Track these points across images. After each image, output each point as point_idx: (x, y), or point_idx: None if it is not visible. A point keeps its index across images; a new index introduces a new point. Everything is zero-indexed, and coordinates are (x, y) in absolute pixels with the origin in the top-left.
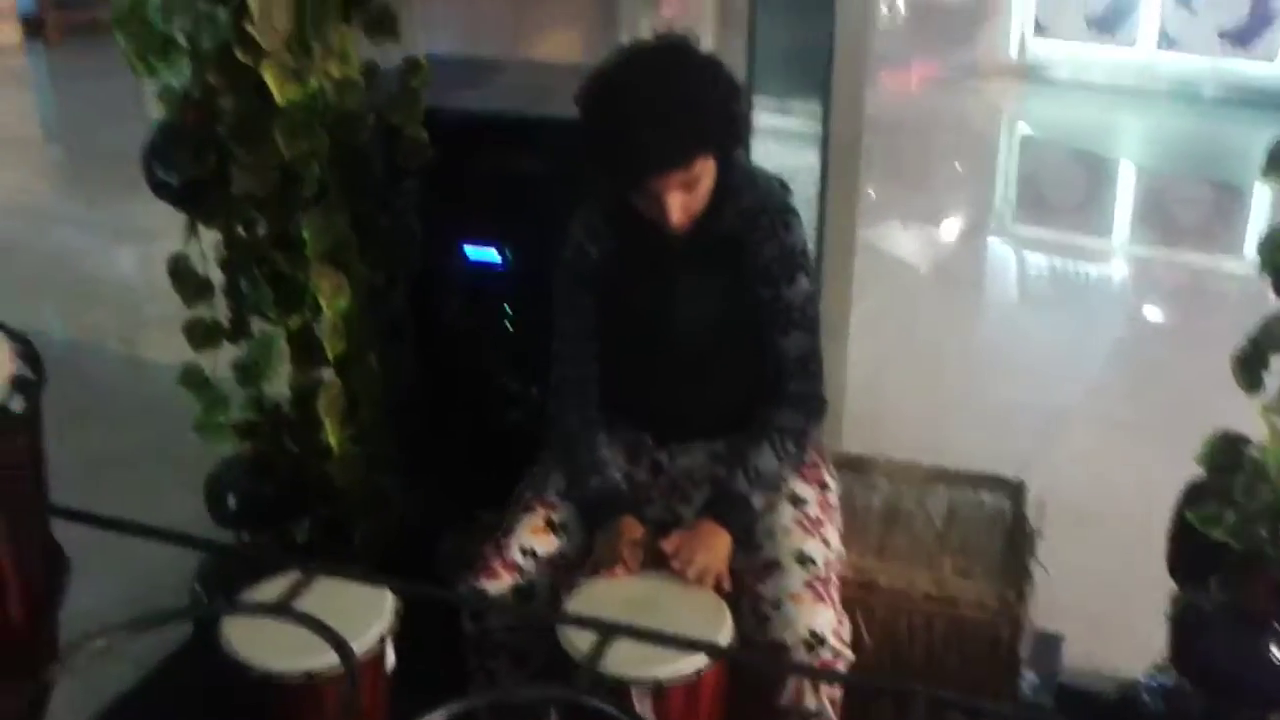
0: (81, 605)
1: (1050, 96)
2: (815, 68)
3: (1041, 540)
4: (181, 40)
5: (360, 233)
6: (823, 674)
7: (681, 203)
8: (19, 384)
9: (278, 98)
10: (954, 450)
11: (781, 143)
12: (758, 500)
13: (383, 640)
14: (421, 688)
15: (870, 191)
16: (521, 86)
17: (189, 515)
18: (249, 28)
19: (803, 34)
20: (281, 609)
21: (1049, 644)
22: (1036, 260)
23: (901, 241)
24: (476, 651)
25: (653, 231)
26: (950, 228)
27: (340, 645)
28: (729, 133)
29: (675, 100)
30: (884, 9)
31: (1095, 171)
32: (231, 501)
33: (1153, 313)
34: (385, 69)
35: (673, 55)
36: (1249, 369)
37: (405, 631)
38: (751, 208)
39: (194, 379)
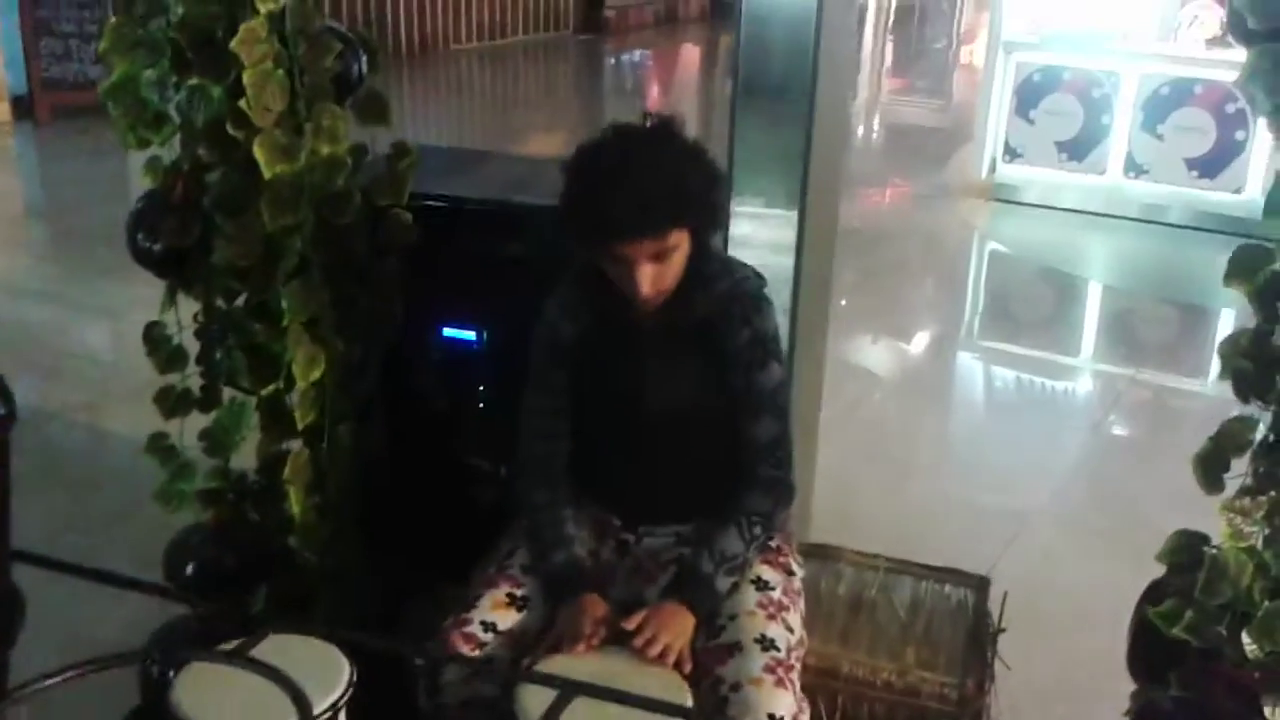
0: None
1: (1020, 217)
2: (792, 175)
3: (1004, 635)
4: (173, 114)
5: (339, 307)
6: None
7: (652, 275)
8: None
9: (266, 172)
10: (921, 548)
11: (755, 249)
12: (722, 582)
13: (336, 707)
14: None
15: (842, 301)
16: (504, 176)
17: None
18: (243, 105)
19: (780, 143)
20: (238, 656)
21: None
22: (1003, 372)
23: (871, 350)
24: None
25: (626, 312)
26: (919, 338)
27: (298, 696)
28: (706, 213)
29: (655, 170)
30: (860, 130)
31: (1062, 289)
32: (190, 569)
33: (1117, 426)
34: (375, 154)
35: (659, 131)
36: (1209, 470)
37: (360, 701)
38: (725, 294)
39: (159, 447)
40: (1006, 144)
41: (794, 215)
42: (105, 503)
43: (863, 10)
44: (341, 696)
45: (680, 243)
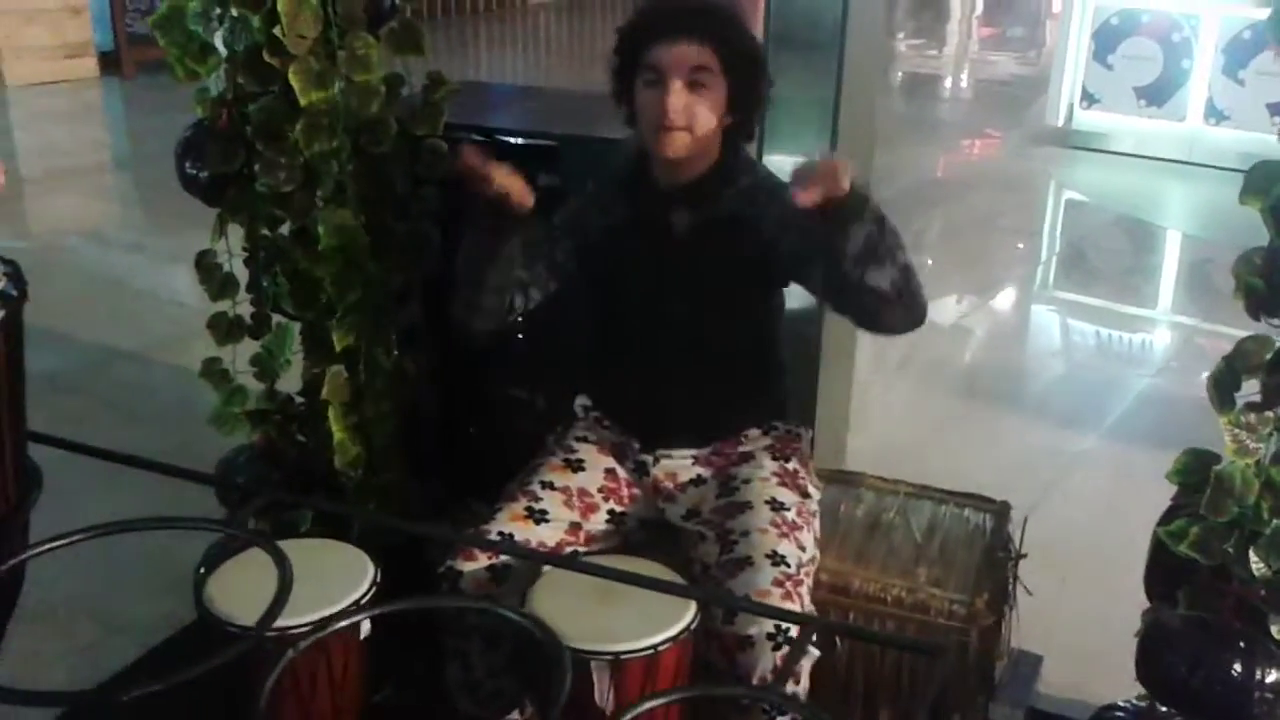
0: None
1: (1098, 164)
2: (822, 123)
3: (1025, 561)
4: (219, 45)
5: (377, 234)
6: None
7: (684, 101)
8: (1, 299)
9: (301, 99)
10: (965, 483)
11: None
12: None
13: (359, 603)
14: (396, 665)
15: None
16: (548, 110)
17: (203, 508)
18: (278, 33)
19: (811, 92)
20: (230, 524)
21: (1028, 664)
22: (1075, 322)
23: (943, 298)
24: (451, 632)
25: (654, 205)
26: (990, 287)
27: (281, 559)
28: (743, 68)
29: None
30: (948, 80)
31: (1139, 238)
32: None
33: (1187, 374)
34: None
35: None
36: (1222, 389)
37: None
38: (750, 187)
39: (213, 371)
40: (1084, 90)
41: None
42: (176, 435)
43: None
44: (364, 594)
45: (715, 85)
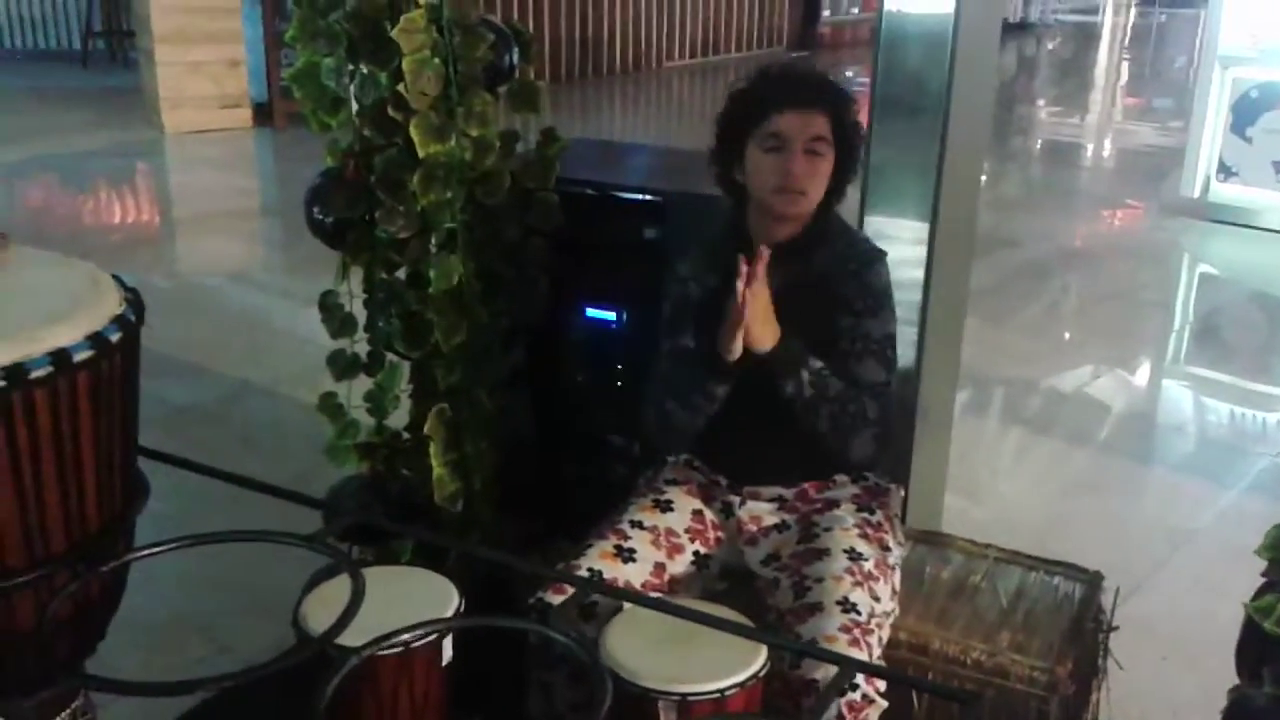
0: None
1: (1234, 238)
2: (925, 187)
3: (1126, 636)
4: (350, 99)
5: (486, 280)
6: None
7: (803, 168)
8: (121, 322)
9: (420, 151)
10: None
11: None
12: (808, 365)
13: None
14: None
15: (1065, 335)
16: (651, 166)
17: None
18: (402, 89)
19: (914, 157)
20: (314, 539)
21: None
22: (1206, 400)
23: (1068, 371)
24: (537, 663)
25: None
26: (1118, 360)
27: (355, 575)
28: (850, 140)
29: (817, 71)
30: (1090, 148)
31: (1275, 314)
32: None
33: None
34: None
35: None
36: None
37: (471, 636)
38: (842, 252)
39: (329, 405)
40: (1221, 162)
41: (925, 228)
42: (294, 466)
43: (1098, 29)
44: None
45: (827, 154)
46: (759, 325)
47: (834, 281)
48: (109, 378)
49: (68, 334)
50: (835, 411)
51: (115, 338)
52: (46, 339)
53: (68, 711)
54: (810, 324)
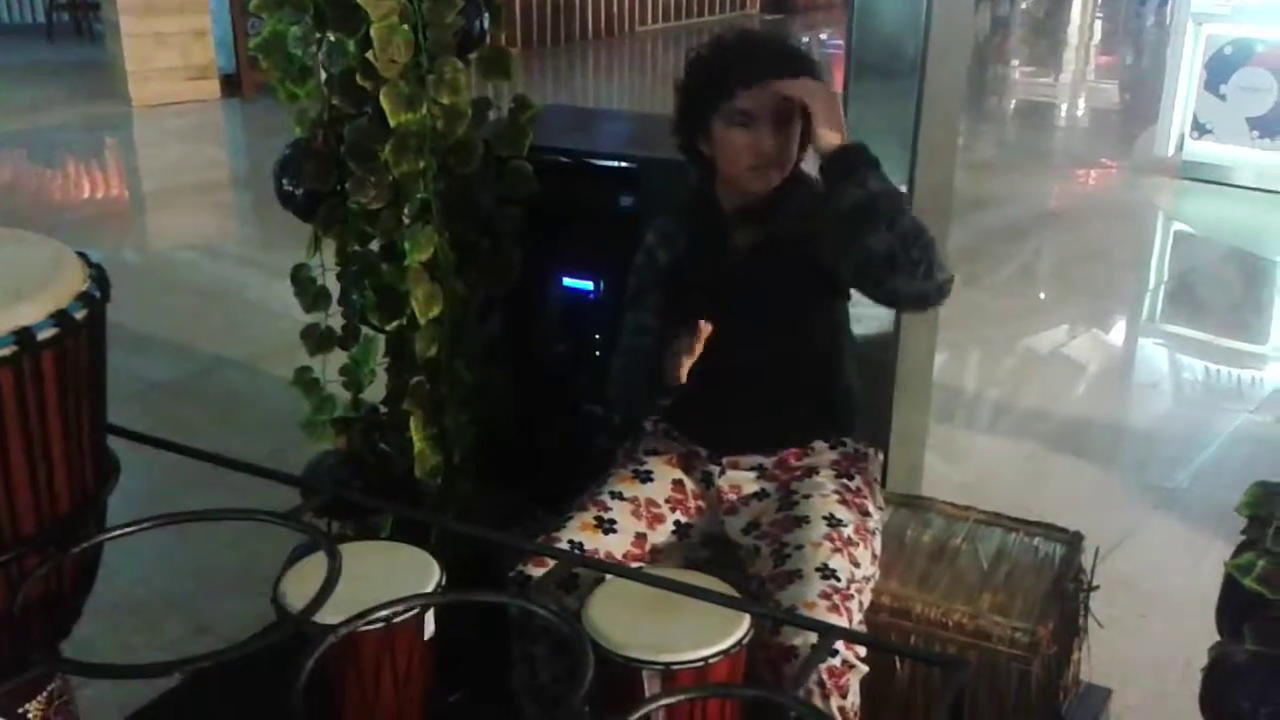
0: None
1: (1208, 196)
2: (902, 149)
3: (1106, 595)
4: (318, 68)
5: (460, 251)
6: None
7: (774, 143)
8: (85, 299)
9: (391, 120)
10: (1048, 516)
11: None
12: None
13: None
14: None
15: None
16: (626, 132)
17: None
18: (371, 57)
19: (891, 120)
20: (289, 517)
21: (1096, 697)
22: (1181, 357)
23: (1044, 331)
24: (520, 635)
25: (718, 235)
26: (1093, 318)
27: (332, 552)
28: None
29: (775, 35)
30: (1063, 107)
31: (1249, 272)
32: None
33: None
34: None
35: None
36: None
37: (454, 610)
38: (807, 203)
39: (304, 380)
40: (1195, 120)
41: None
42: (271, 441)
43: None
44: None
45: (795, 119)
46: (825, 123)
47: (806, 231)
48: (75, 356)
49: (31, 312)
50: (898, 223)
51: (80, 315)
52: (9, 318)
53: (44, 694)
54: (789, 276)
